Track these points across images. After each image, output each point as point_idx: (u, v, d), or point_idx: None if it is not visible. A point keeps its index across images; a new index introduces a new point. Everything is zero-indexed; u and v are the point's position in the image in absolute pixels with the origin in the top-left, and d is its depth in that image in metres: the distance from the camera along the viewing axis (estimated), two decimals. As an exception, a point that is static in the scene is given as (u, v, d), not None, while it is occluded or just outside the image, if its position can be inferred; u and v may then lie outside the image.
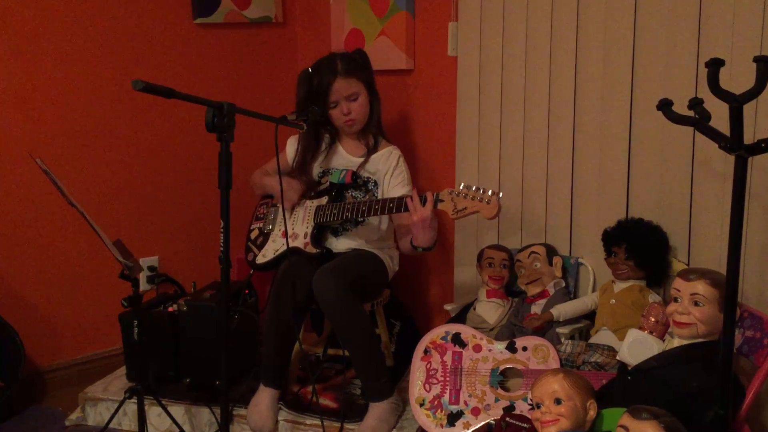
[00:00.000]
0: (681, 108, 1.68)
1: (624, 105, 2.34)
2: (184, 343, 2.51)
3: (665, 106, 1.66)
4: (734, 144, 1.46)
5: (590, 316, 2.41)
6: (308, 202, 2.52)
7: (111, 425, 2.29)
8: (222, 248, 1.85)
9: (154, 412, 2.42)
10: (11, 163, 2.66)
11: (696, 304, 1.78)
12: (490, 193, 2.03)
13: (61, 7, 2.70)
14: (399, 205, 2.20)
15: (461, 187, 2.07)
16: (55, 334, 2.82)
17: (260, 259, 2.54)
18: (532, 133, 2.61)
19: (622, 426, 1.52)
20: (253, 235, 2.65)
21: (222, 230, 1.84)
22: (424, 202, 2.14)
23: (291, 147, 2.65)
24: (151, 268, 2.97)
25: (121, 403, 2.15)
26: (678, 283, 1.83)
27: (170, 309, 2.56)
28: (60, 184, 2.05)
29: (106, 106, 2.84)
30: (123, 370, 2.71)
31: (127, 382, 2.61)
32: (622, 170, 2.38)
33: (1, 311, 2.55)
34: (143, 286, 2.91)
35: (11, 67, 2.63)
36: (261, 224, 2.65)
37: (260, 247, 2.58)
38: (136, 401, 2.15)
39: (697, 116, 1.60)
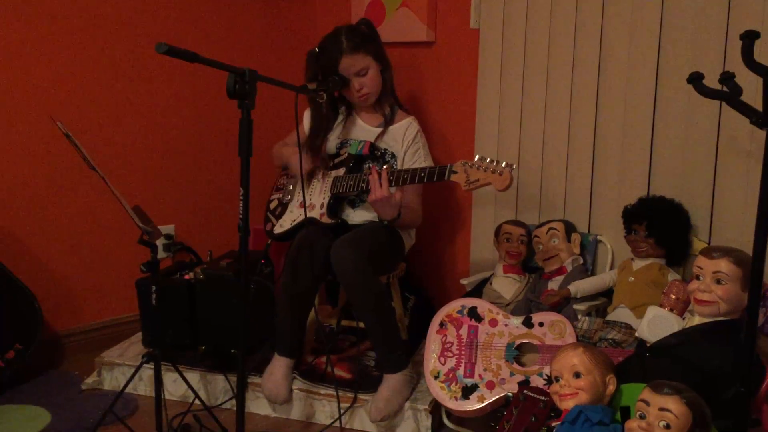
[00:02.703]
0: (710, 84, 1.64)
1: (649, 82, 2.31)
2: (200, 311, 2.52)
3: (696, 79, 1.62)
4: (766, 119, 1.43)
5: (608, 293, 2.40)
6: (326, 173, 2.52)
7: (127, 390, 2.30)
8: (241, 216, 1.83)
9: (169, 378, 2.44)
10: (32, 126, 2.65)
11: (718, 282, 1.76)
12: (503, 164, 2.01)
13: (83, -27, 2.69)
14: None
15: (476, 159, 2.05)
16: (72, 298, 2.83)
17: (278, 229, 2.55)
18: (554, 107, 2.58)
19: (642, 400, 1.51)
20: (272, 206, 2.65)
21: (241, 198, 1.81)
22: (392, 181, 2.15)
23: (308, 118, 2.64)
24: (167, 237, 2.98)
25: (138, 368, 2.16)
26: (701, 260, 1.80)
27: (186, 277, 2.57)
28: (81, 148, 2.04)
29: (126, 72, 2.83)
30: (139, 336, 2.72)
31: (143, 348, 2.63)
32: (644, 147, 2.36)
33: (20, 275, 2.56)
34: (160, 254, 2.91)
35: (33, 30, 2.62)
36: (280, 195, 2.65)
37: (278, 217, 2.59)
38: (152, 367, 2.16)
39: (728, 90, 1.56)
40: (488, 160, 2.03)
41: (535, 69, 2.61)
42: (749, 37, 1.44)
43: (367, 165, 2.50)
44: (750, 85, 1.77)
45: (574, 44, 2.49)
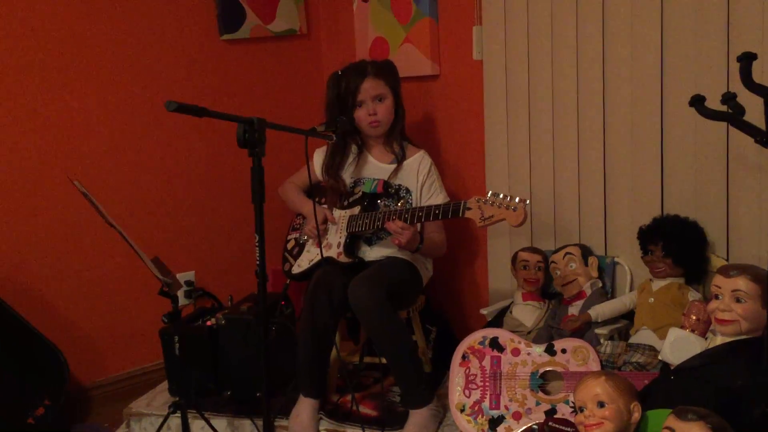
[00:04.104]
0: (713, 103, 1.66)
1: (654, 101, 2.31)
2: (223, 356, 2.54)
3: (698, 102, 1.64)
4: (770, 138, 1.44)
5: (629, 315, 2.38)
6: (341, 213, 2.54)
7: (156, 440, 2.32)
8: (258, 262, 1.86)
9: (197, 426, 2.45)
10: (51, 185, 2.71)
11: (738, 300, 1.76)
12: (517, 200, 2.04)
13: (91, 32, 2.75)
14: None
15: (489, 195, 2.09)
16: (98, 351, 2.86)
17: (296, 269, 2.58)
18: (562, 133, 2.59)
19: (667, 428, 1.51)
20: (289, 246, 2.68)
21: (257, 244, 1.85)
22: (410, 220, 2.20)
23: (318, 158, 2.68)
24: (188, 283, 3.01)
25: (166, 417, 2.18)
26: (718, 279, 1.80)
27: (209, 323, 2.59)
28: (98, 205, 2.09)
29: (139, 127, 2.89)
30: (165, 384, 2.74)
31: (170, 397, 2.64)
32: (655, 167, 2.35)
33: (44, 331, 2.59)
34: (181, 300, 2.94)
35: (47, 92, 2.69)
36: (297, 234, 2.68)
37: (296, 257, 2.62)
38: (179, 415, 2.18)
39: (730, 111, 1.58)
40: (501, 196, 2.06)
41: (540, 96, 2.63)
42: (747, 59, 1.46)
43: (382, 202, 2.52)
44: (754, 103, 1.78)
45: (577, 70, 2.50)
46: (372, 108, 2.51)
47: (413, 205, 2.51)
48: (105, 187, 2.82)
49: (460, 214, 2.13)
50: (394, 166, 2.58)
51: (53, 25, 2.68)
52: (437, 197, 2.54)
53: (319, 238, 2.36)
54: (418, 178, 2.55)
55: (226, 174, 3.11)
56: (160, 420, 2.37)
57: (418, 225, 2.23)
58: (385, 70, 2.54)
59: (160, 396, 2.68)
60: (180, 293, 2.87)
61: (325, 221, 2.55)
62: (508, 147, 2.75)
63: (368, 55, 3.05)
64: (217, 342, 2.55)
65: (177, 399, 2.18)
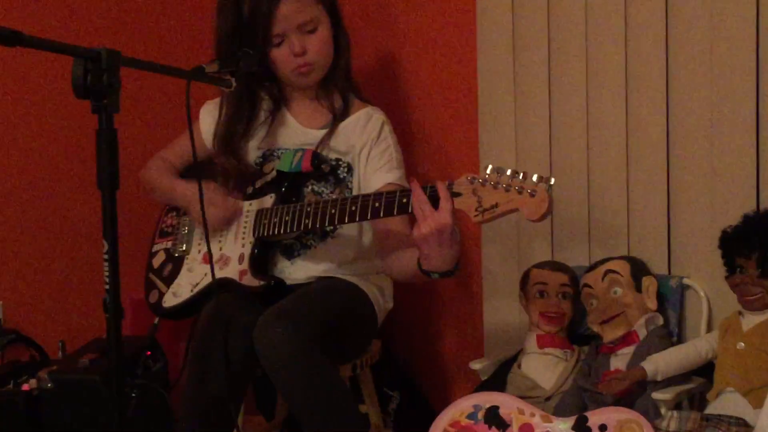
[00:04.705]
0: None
1: (747, 62, 2.36)
2: (50, 439, 2.52)
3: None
4: None
5: (706, 370, 2.40)
6: (244, 205, 2.54)
7: None
8: (107, 285, 1.82)
9: None
10: None
11: None
12: (534, 179, 2.02)
13: None
14: (390, 204, 2.19)
15: (488, 172, 2.06)
16: None
17: (170, 300, 2.57)
18: (600, 88, 2.62)
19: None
20: (156, 262, 2.68)
21: (106, 256, 1.82)
22: (433, 198, 2.11)
23: (208, 118, 2.67)
24: None
25: None
26: None
27: (25, 387, 2.56)
28: None
29: None
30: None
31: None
32: (746, 142, 2.39)
33: None
34: None
35: None
36: (169, 243, 2.66)
37: (169, 280, 2.61)
38: None
39: None
40: (509, 172, 2.04)
41: (567, 28, 2.65)
42: None
43: (310, 187, 2.54)
44: None
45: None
46: (298, 44, 2.50)
47: (353, 192, 2.53)
48: None
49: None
50: (328, 129, 2.59)
51: None
52: (389, 172, 2.52)
53: (208, 242, 2.31)
54: (362, 143, 2.55)
55: (55, 145, 3.08)
56: None
57: (459, 233, 2.17)
58: None
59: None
60: None
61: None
62: (515, 106, 2.77)
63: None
64: (38, 416, 2.53)
65: None
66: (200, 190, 2.26)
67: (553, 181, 2.01)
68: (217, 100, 2.66)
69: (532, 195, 2.00)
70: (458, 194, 2.09)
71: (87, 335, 2.94)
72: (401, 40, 3.00)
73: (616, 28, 2.57)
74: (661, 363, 2.35)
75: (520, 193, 2.01)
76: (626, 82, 2.58)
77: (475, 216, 2.07)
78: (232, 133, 2.59)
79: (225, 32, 2.51)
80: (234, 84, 2.33)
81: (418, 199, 2.12)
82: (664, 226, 2.56)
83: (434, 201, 2.11)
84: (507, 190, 2.03)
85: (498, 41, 2.77)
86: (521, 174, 2.02)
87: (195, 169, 2.50)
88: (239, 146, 2.59)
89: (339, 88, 2.61)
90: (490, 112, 2.82)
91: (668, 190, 2.55)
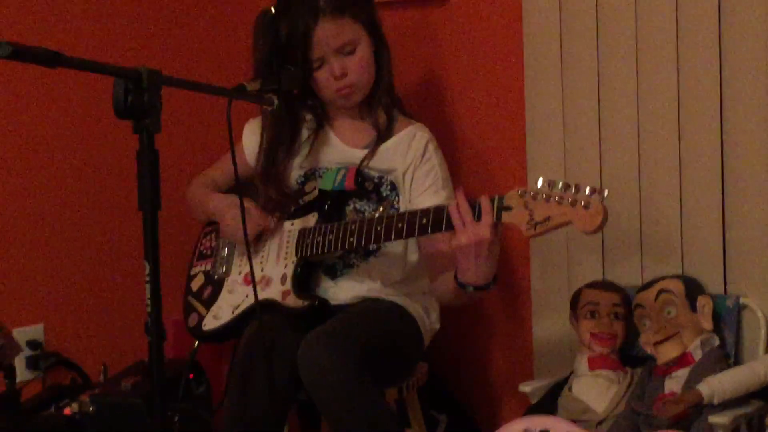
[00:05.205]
0: None
1: None
2: (91, 464, 2.54)
3: None
4: None
5: (765, 393, 2.38)
6: (286, 225, 2.54)
7: None
8: (149, 308, 1.83)
9: None
10: None
11: None
12: (587, 191, 2.01)
13: None
14: (438, 219, 2.18)
15: (539, 185, 2.06)
16: None
17: (210, 323, 2.56)
18: (652, 99, 2.60)
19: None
20: (195, 284, 2.68)
21: (148, 277, 1.83)
22: (476, 212, 2.11)
23: (252, 137, 2.66)
24: (32, 344, 2.96)
25: None
26: None
27: (67, 411, 2.55)
28: None
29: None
30: None
31: None
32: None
33: None
34: (21, 374, 2.88)
35: None
36: (208, 265, 2.67)
37: (209, 302, 2.60)
38: None
39: None
40: (561, 185, 2.03)
41: (615, 37, 2.64)
42: None
43: (353, 205, 2.53)
44: None
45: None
46: (338, 67, 2.48)
47: (399, 209, 2.51)
48: None
49: (497, 220, 2.11)
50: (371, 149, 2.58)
51: None
52: (437, 193, 2.51)
53: (251, 260, 2.30)
54: (407, 163, 2.54)
55: (96, 166, 3.10)
56: None
57: (498, 248, 2.18)
58: None
59: None
60: (18, 361, 2.86)
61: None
62: (563, 119, 2.76)
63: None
64: (80, 441, 2.54)
65: None
66: (242, 210, 2.27)
67: (606, 192, 2.01)
68: (258, 119, 2.66)
69: (585, 207, 2.00)
70: (509, 208, 2.09)
71: (129, 357, 2.94)
72: (446, 55, 3.00)
73: (666, 39, 2.56)
74: (717, 385, 2.32)
75: (573, 205, 2.02)
76: (678, 92, 2.56)
77: (527, 230, 2.06)
78: (274, 161, 2.58)
79: (263, 54, 2.51)
80: (276, 102, 2.35)
81: (461, 208, 2.13)
82: (719, 243, 2.54)
83: (481, 214, 2.13)
84: (560, 203, 2.03)
85: (545, 53, 2.77)
86: (573, 186, 2.03)
87: (237, 189, 2.49)
88: (281, 173, 2.58)
89: (383, 104, 2.60)
90: (537, 126, 2.82)
91: (723, 205, 2.52)
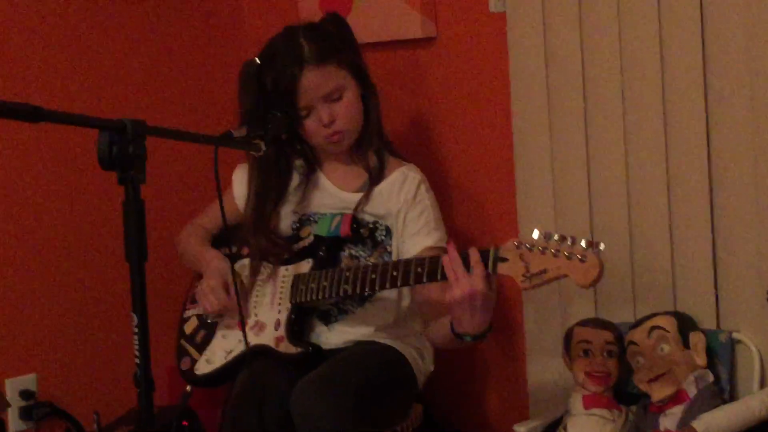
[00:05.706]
0: None
1: None
2: None
3: None
4: None
5: (760, 429, 2.36)
6: (281, 270, 2.54)
7: None
8: (137, 359, 1.82)
9: None
10: None
11: None
12: (583, 244, 2.03)
13: None
14: (433, 270, 2.19)
15: (535, 237, 2.07)
16: None
17: (203, 368, 2.57)
18: (639, 134, 2.60)
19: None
20: (188, 328, 2.68)
21: (136, 329, 1.81)
22: (467, 263, 2.12)
23: (240, 183, 2.67)
24: (25, 395, 2.94)
25: None
26: None
27: None
28: None
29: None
30: None
31: None
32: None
33: None
34: (15, 425, 2.89)
35: None
36: (201, 309, 2.65)
37: (202, 346, 2.61)
38: None
39: None
40: (557, 237, 2.05)
41: (600, 72, 2.64)
42: None
43: (348, 251, 2.53)
44: None
45: (660, 34, 2.52)
46: (326, 114, 2.49)
47: (392, 255, 2.51)
48: None
49: (490, 270, 2.12)
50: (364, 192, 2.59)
51: None
52: (428, 236, 2.51)
53: (241, 312, 2.30)
54: (399, 205, 2.54)
55: (84, 216, 3.10)
56: None
57: (493, 299, 2.18)
58: (332, 42, 2.53)
59: None
60: (12, 412, 2.88)
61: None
62: (551, 160, 2.75)
63: (318, 8, 3.04)
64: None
65: None
66: (233, 271, 2.36)
67: (602, 246, 2.03)
68: (247, 165, 2.67)
69: (582, 260, 2.02)
70: (504, 259, 2.11)
71: (122, 405, 2.91)
72: (434, 95, 3.00)
73: (653, 82, 2.56)
74: (712, 422, 2.31)
75: (569, 258, 2.03)
76: (666, 138, 2.56)
77: (523, 281, 2.08)
78: (263, 210, 2.59)
79: (249, 103, 2.51)
80: (263, 148, 2.34)
81: (453, 262, 2.13)
82: (710, 279, 2.53)
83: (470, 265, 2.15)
84: (555, 256, 2.05)
85: (532, 93, 2.77)
86: (569, 239, 2.04)
87: (227, 236, 2.53)
88: (270, 221, 2.59)
89: (373, 147, 2.61)
90: (526, 167, 2.81)
91: (713, 241, 2.52)
